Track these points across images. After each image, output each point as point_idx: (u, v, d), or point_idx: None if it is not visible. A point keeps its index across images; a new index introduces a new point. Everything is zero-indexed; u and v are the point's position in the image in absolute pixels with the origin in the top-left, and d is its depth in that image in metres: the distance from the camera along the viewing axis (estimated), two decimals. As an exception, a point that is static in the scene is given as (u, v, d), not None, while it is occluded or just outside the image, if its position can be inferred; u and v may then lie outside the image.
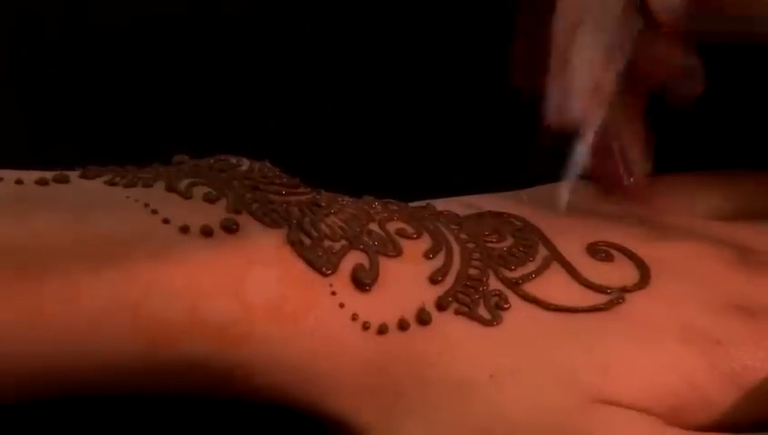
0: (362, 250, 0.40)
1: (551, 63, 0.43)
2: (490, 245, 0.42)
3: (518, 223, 0.43)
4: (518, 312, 0.40)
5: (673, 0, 0.40)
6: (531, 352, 0.39)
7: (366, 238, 0.40)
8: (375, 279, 0.40)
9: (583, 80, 0.42)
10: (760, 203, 0.46)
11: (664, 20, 0.41)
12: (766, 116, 0.51)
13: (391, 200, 0.43)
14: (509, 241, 0.42)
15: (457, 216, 0.43)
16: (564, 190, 0.44)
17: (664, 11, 0.40)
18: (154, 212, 0.39)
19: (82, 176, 0.40)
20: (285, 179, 0.42)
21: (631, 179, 0.45)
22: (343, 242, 0.40)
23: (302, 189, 0.42)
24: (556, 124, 0.43)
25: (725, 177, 0.47)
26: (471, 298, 0.40)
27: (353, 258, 0.40)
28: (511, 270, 0.41)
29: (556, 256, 0.42)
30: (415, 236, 0.41)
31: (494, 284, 0.40)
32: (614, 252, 0.42)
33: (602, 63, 0.42)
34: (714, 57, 0.46)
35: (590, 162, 0.45)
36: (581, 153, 0.43)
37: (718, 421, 0.40)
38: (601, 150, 0.45)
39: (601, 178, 0.45)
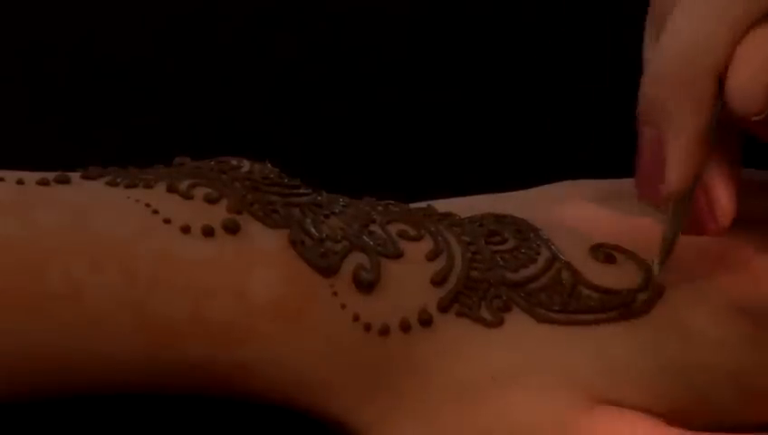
0: (363, 251, 0.40)
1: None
2: (492, 247, 0.42)
3: (520, 225, 0.43)
4: (520, 314, 0.40)
5: (756, 100, 0.39)
6: (532, 354, 0.40)
7: (367, 239, 0.40)
8: (376, 280, 0.40)
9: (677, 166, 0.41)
10: (763, 203, 0.46)
11: (744, 116, 0.40)
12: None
13: (392, 202, 0.43)
14: (511, 243, 0.42)
15: (459, 217, 0.43)
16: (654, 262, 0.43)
17: (745, 110, 0.39)
18: (155, 212, 0.39)
19: (84, 177, 0.40)
20: (286, 180, 0.42)
21: (717, 225, 0.43)
22: (344, 243, 0.40)
23: (302, 190, 0.42)
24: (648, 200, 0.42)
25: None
26: (473, 300, 0.40)
27: (354, 259, 0.40)
28: (513, 272, 0.41)
29: (558, 258, 0.42)
30: (416, 237, 0.41)
31: (495, 286, 0.40)
32: (617, 254, 0.42)
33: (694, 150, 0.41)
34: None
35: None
36: (672, 227, 0.42)
37: (719, 422, 0.40)
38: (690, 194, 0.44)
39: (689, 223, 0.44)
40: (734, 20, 0.39)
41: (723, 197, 0.42)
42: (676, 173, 0.40)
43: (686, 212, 0.42)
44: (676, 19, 0.39)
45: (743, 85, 0.38)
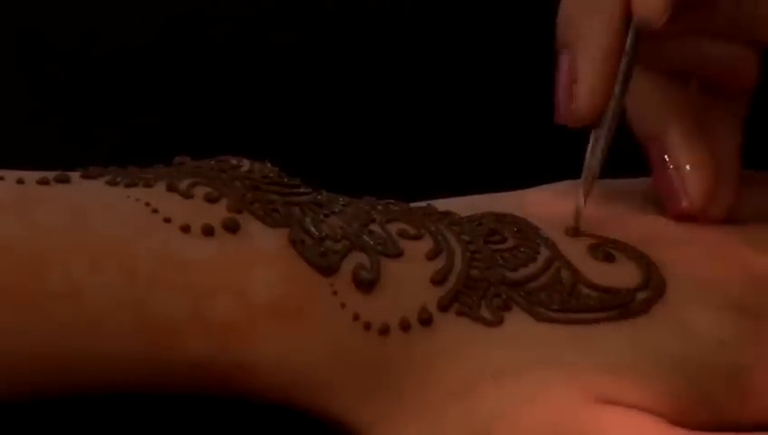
0: (363, 250, 0.40)
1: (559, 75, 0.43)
2: (491, 246, 0.42)
3: (519, 224, 0.43)
4: (519, 313, 0.40)
5: (656, 8, 0.40)
6: (532, 353, 0.39)
7: (367, 239, 0.40)
8: (376, 279, 0.40)
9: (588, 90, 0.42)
10: (762, 203, 0.46)
11: (646, 25, 0.41)
12: (766, 115, 0.51)
13: (392, 201, 0.43)
14: (510, 242, 0.42)
15: (459, 217, 0.43)
16: (579, 190, 0.44)
17: (647, 18, 0.40)
18: (155, 211, 0.39)
19: (84, 176, 0.40)
20: (286, 179, 0.42)
21: (688, 202, 0.44)
22: (344, 242, 0.40)
23: (302, 189, 0.42)
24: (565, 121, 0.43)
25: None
26: (473, 299, 0.40)
27: (354, 258, 0.40)
28: (512, 271, 0.41)
29: (558, 257, 0.42)
30: (416, 236, 0.41)
31: (495, 285, 0.40)
32: (616, 253, 0.42)
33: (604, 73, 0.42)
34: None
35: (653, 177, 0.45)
36: (595, 156, 0.43)
37: (720, 421, 0.40)
38: (658, 166, 0.45)
39: (660, 194, 0.45)
40: None
41: (694, 178, 0.44)
42: (585, 88, 0.41)
43: (607, 141, 0.43)
44: None
45: None
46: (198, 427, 0.43)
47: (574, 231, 0.43)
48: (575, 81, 0.42)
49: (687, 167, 0.44)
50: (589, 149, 0.43)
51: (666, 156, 0.45)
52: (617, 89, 0.42)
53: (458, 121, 0.54)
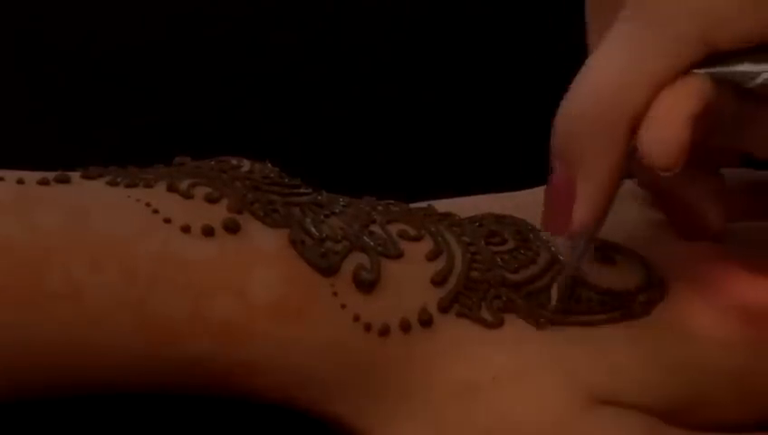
0: (364, 251, 0.40)
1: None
2: (492, 247, 0.42)
3: (519, 225, 0.43)
4: (520, 314, 0.40)
5: (669, 157, 0.39)
6: (533, 354, 0.40)
7: (367, 239, 0.40)
8: (377, 280, 0.40)
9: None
10: (762, 201, 0.46)
11: (656, 170, 0.40)
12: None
13: (392, 202, 0.43)
14: (511, 244, 0.42)
15: (459, 218, 0.43)
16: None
17: (658, 165, 0.40)
18: (155, 212, 0.39)
19: (84, 176, 0.40)
20: (286, 180, 0.42)
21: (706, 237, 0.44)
22: (345, 243, 0.40)
23: (302, 190, 0.42)
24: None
25: (726, 175, 0.47)
26: (473, 300, 0.40)
27: (355, 259, 0.40)
28: (513, 273, 0.41)
29: (558, 260, 0.42)
30: (416, 237, 0.41)
31: (495, 286, 0.40)
32: (617, 255, 0.42)
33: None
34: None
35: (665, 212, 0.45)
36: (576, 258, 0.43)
37: (719, 422, 0.40)
38: (670, 203, 0.44)
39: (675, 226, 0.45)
40: (657, 72, 0.39)
41: (710, 211, 0.43)
42: (584, 212, 0.40)
43: (588, 248, 0.42)
44: (600, 55, 0.40)
45: (659, 139, 0.39)
46: (198, 427, 0.43)
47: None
48: (572, 197, 0.41)
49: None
50: (570, 256, 0.42)
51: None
52: None
53: (459, 122, 0.54)
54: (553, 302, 0.41)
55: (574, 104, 0.40)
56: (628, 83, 0.39)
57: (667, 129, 0.38)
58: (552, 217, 0.41)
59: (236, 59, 0.54)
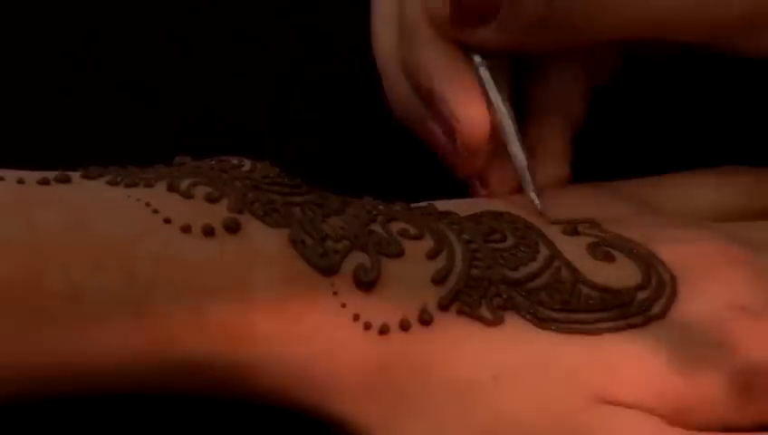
0: (364, 250, 0.40)
1: None
2: (492, 245, 0.41)
3: (519, 223, 0.43)
4: (520, 312, 0.40)
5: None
6: (533, 353, 0.39)
7: (368, 239, 0.40)
8: (377, 279, 0.40)
9: None
10: (759, 199, 0.46)
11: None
12: (765, 114, 0.51)
13: (393, 201, 0.43)
14: (510, 241, 0.42)
15: (459, 216, 0.43)
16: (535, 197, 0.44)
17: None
18: (155, 212, 0.39)
19: (84, 176, 0.40)
20: (286, 180, 0.42)
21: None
22: (345, 242, 0.40)
23: (303, 189, 0.42)
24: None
25: (723, 173, 0.47)
26: (473, 299, 0.40)
27: (355, 258, 0.40)
28: (513, 270, 0.41)
29: (557, 256, 0.42)
30: (417, 236, 0.41)
31: (496, 284, 0.40)
32: (615, 252, 0.42)
33: None
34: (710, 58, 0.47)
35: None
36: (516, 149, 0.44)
37: (721, 422, 0.40)
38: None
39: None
40: None
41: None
42: (468, 116, 0.41)
43: (519, 135, 0.44)
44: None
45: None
46: (198, 427, 0.43)
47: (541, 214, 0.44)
48: (453, 128, 0.43)
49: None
50: (512, 155, 0.44)
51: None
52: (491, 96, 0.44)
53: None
54: (537, 205, 0.43)
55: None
56: None
57: None
58: (456, 160, 0.44)
59: (237, 59, 0.54)
